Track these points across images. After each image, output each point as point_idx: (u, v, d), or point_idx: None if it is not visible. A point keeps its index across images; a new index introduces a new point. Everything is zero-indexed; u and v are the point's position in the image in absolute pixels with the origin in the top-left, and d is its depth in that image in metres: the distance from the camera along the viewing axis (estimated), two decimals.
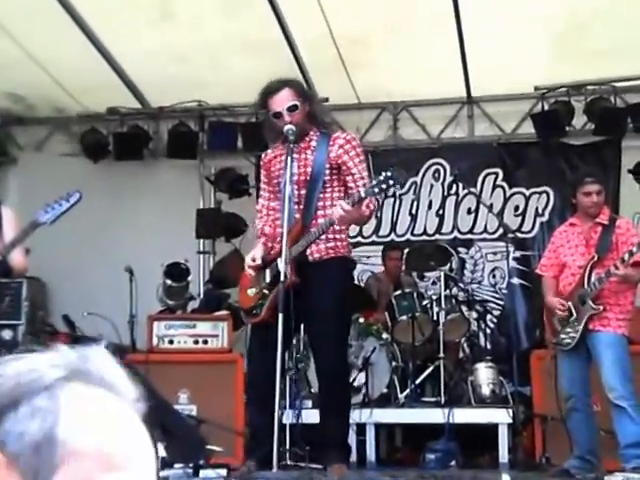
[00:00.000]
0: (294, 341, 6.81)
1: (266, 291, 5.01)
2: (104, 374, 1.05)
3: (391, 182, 4.68)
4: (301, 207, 4.98)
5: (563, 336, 5.72)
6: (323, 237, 4.91)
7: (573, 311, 5.67)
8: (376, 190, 4.72)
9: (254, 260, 5.06)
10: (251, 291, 5.14)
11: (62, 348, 1.05)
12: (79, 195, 5.13)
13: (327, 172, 5.00)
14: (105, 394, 1.04)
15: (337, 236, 5.02)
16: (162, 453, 3.91)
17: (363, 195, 4.75)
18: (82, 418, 1.00)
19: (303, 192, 5.00)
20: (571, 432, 5.82)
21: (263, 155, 5.35)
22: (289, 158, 4.91)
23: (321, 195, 5.01)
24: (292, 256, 4.84)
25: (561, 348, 5.76)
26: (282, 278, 4.67)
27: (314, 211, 4.98)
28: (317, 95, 6.02)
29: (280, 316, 4.63)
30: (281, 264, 4.71)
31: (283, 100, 4.98)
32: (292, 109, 4.97)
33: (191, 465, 4.02)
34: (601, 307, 5.56)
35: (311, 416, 6.20)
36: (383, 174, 4.71)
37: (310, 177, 4.99)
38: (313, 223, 4.97)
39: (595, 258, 5.67)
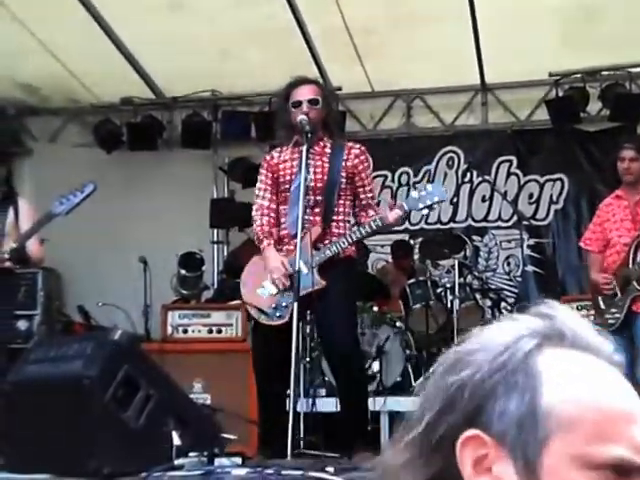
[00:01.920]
0: (307, 330, 6.83)
1: (288, 294, 4.98)
2: (576, 333, 0.98)
3: (436, 199, 4.90)
4: (316, 211, 5.00)
5: (608, 316, 5.56)
6: (335, 238, 4.95)
7: (617, 291, 5.55)
8: (420, 205, 4.88)
9: (284, 266, 4.93)
10: (262, 291, 5.07)
11: (525, 316, 1.00)
12: (94, 186, 5.15)
13: (343, 180, 5.06)
14: (582, 355, 0.97)
15: None
16: (177, 441, 3.92)
17: (406, 208, 4.95)
18: (563, 386, 0.94)
19: (319, 198, 5.02)
20: None
21: (268, 157, 5.28)
22: (303, 149, 4.91)
23: (336, 202, 5.05)
24: (320, 261, 4.90)
25: (605, 329, 5.64)
26: (296, 270, 4.72)
27: (332, 216, 5.01)
28: (336, 105, 6.11)
29: (295, 305, 4.65)
30: (301, 265, 4.76)
31: (307, 92, 5.06)
32: (313, 102, 5.01)
33: (206, 453, 4.03)
34: None
35: (325, 404, 6.20)
36: (426, 189, 4.93)
37: (327, 183, 5.03)
38: (333, 225, 5.00)
39: (639, 237, 5.53)
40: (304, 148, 4.90)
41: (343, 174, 5.05)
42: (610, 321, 5.56)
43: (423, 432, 0.98)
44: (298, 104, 5.00)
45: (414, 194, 4.95)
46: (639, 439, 0.93)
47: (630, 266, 5.49)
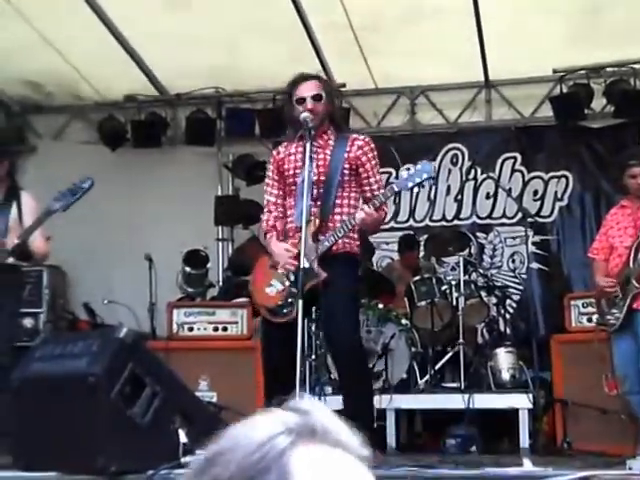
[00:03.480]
0: (313, 328, 6.83)
1: (293, 289, 4.98)
2: (327, 429, 1.00)
3: (425, 176, 4.86)
4: (319, 204, 5.01)
5: (609, 317, 5.61)
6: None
7: (619, 292, 5.59)
8: (409, 184, 4.86)
9: (289, 250, 4.97)
10: (271, 289, 5.07)
11: (279, 411, 1.01)
12: (91, 182, 5.15)
13: (346, 172, 5.06)
14: (331, 451, 0.99)
15: (350, 234, 5.07)
16: (183, 439, 3.92)
17: (396, 189, 4.97)
18: None
19: (321, 191, 5.03)
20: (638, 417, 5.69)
21: (275, 152, 5.31)
22: (307, 146, 4.90)
23: (338, 194, 5.05)
24: (319, 253, 4.89)
25: (607, 329, 5.67)
26: (301, 265, 4.71)
27: (332, 208, 5.02)
28: (339, 97, 6.13)
29: (300, 302, 4.64)
30: (302, 260, 4.76)
31: (310, 87, 5.06)
32: (316, 98, 5.02)
33: None
34: None
35: (332, 402, 6.19)
36: (415, 167, 4.90)
37: (328, 176, 5.03)
38: (330, 218, 5.01)
39: (639, 238, 5.59)
40: (307, 144, 4.91)
41: (346, 166, 5.04)
42: (611, 321, 5.61)
43: None
44: (302, 101, 5.01)
45: (403, 174, 4.99)
46: None
47: (631, 265, 5.54)
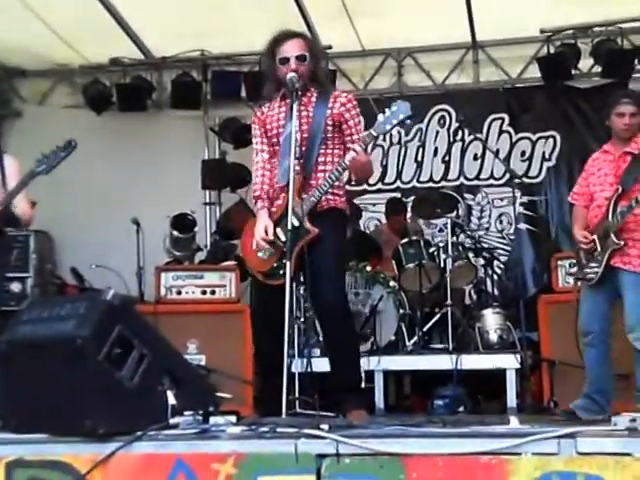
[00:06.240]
0: (301, 290, 6.82)
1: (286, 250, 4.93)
2: None
3: (401, 116, 4.73)
4: (302, 162, 4.93)
5: (587, 270, 5.48)
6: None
7: (597, 245, 5.47)
8: (387, 127, 4.76)
9: (267, 233, 4.94)
10: (264, 253, 5.05)
11: None
12: (74, 143, 5.12)
13: (329, 128, 4.99)
14: None
15: (335, 190, 5.01)
16: (172, 400, 3.93)
17: (374, 133, 4.78)
18: None
19: (304, 149, 4.95)
20: (585, 369, 5.68)
21: (258, 112, 5.20)
22: (294, 107, 4.85)
23: (322, 151, 4.99)
24: (307, 209, 4.84)
25: (585, 283, 5.56)
26: (289, 226, 4.68)
27: (315, 166, 4.96)
28: (323, 56, 5.99)
29: (288, 264, 4.62)
30: (292, 219, 4.71)
31: (294, 47, 4.96)
32: (301, 59, 4.94)
33: (201, 412, 4.04)
34: (622, 242, 5.29)
35: (320, 364, 6.21)
36: (390, 109, 4.75)
37: (310, 133, 4.96)
38: (314, 176, 4.95)
39: (619, 190, 5.40)
40: (294, 106, 4.85)
41: (329, 122, 4.97)
42: (589, 275, 5.48)
43: None
44: (286, 61, 4.94)
45: (380, 117, 4.87)
46: None
47: (610, 219, 5.41)
